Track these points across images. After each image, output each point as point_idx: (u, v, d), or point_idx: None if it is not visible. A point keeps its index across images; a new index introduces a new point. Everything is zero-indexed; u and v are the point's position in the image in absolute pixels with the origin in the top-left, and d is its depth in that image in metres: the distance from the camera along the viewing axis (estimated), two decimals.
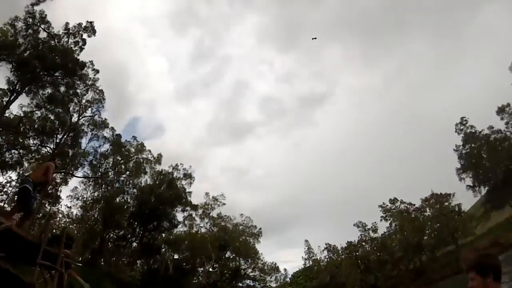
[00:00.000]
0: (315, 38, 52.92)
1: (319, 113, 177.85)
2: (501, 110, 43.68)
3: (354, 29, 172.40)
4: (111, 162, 38.39)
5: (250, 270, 47.51)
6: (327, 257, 49.70)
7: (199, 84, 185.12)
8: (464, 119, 46.47)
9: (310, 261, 50.72)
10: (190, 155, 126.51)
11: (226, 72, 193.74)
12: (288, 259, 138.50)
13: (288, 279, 53.26)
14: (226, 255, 46.27)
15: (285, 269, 54.70)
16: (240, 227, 47.25)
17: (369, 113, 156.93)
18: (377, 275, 44.05)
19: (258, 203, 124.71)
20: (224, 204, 46.35)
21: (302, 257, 51.81)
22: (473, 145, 45.30)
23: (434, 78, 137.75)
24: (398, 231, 44.59)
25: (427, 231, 43.60)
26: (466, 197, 46.57)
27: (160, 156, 42.20)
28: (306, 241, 52.15)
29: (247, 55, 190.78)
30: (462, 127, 46.46)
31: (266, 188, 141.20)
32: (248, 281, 47.90)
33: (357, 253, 46.55)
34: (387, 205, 46.11)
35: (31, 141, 29.96)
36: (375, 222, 47.26)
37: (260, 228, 48.28)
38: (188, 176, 43.51)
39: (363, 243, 46.91)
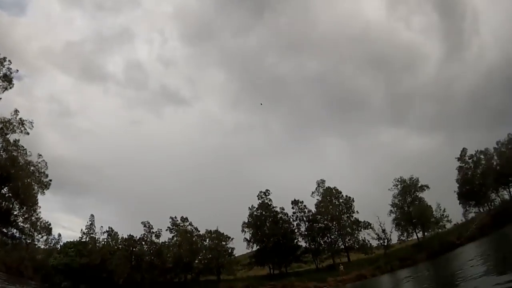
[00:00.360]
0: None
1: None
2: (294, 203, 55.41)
3: None
4: None
5: (21, 219, 41.71)
6: (105, 240, 50.22)
7: None
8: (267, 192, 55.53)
9: (88, 238, 49.35)
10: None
11: None
12: (68, 225, 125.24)
13: (58, 246, 50.60)
14: (2, 191, 40.31)
15: (59, 234, 52.34)
16: (31, 168, 41.30)
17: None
18: (145, 276, 47.94)
19: (64, 154, 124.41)
20: (27, 133, 39.94)
21: (82, 230, 49.86)
22: (264, 213, 54.40)
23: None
24: (176, 245, 50.15)
25: (199, 257, 51.07)
26: (242, 246, 54.59)
27: None
28: (92, 216, 50.97)
29: None
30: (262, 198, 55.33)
31: (80, 144, 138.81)
32: (14, 230, 41.95)
33: (134, 249, 49.75)
34: (178, 220, 52.79)
35: None
36: (161, 229, 52.16)
37: (51, 180, 42.87)
38: (7, 78, 37.04)
39: (143, 242, 50.55)
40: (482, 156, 50.73)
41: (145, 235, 51.59)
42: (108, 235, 50.83)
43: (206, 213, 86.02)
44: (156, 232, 52.49)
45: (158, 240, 51.81)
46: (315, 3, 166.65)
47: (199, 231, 53.23)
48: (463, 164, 51.62)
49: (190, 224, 53.69)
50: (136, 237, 51.04)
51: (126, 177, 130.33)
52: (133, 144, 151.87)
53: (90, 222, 50.25)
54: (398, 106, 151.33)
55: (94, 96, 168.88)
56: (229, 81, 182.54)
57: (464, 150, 51.88)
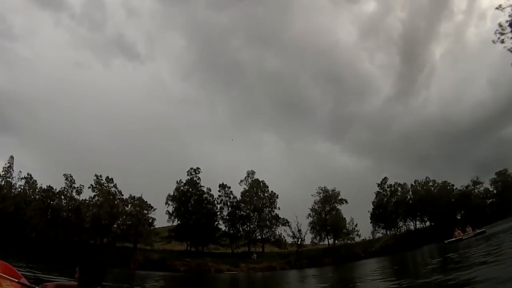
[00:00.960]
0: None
1: None
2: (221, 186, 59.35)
3: None
4: None
5: None
6: (22, 187, 48.33)
7: None
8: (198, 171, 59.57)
9: (4, 181, 47.21)
10: None
11: None
12: None
13: None
14: None
15: None
16: None
17: None
18: (60, 232, 45.86)
19: None
20: None
21: None
22: (190, 190, 57.31)
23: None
24: (97, 206, 49.85)
25: (119, 221, 51.29)
26: (163, 219, 56.15)
27: None
28: (12, 157, 48.90)
29: None
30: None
31: (15, 75, 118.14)
32: None
33: (52, 202, 48.48)
34: (102, 180, 51.95)
35: None
36: (83, 186, 51.33)
37: None
38: None
39: (62, 197, 49.29)
40: (399, 188, 60.61)
41: (66, 189, 50.37)
42: (26, 182, 48.74)
43: (133, 179, 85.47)
44: (77, 188, 51.48)
45: (78, 197, 51.04)
46: (296, 8, 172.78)
47: (122, 195, 53.42)
48: (382, 190, 60.71)
49: (115, 186, 53.40)
50: (56, 189, 49.63)
51: (57, 123, 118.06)
52: (73, 89, 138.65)
53: (9, 165, 48.02)
54: (339, 125, 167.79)
55: (43, 24, 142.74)
56: (188, 51, 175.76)
57: (385, 179, 61.12)
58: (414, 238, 50.79)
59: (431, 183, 61.73)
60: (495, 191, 67.43)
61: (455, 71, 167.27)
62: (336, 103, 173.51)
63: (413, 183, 61.14)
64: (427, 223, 60.08)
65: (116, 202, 52.13)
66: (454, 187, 62.10)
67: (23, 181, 48.74)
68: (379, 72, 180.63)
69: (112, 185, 53.38)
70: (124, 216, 52.14)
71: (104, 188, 52.28)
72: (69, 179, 50.96)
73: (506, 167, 67.89)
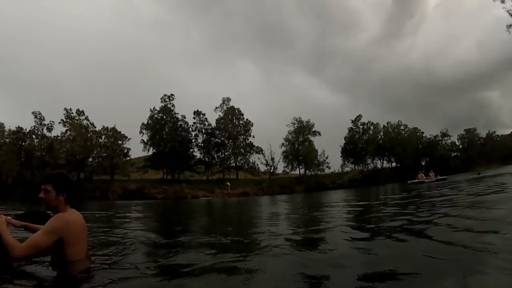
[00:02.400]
0: None
1: None
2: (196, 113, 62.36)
3: None
4: None
5: None
6: None
7: None
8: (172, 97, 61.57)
9: None
10: None
11: None
12: None
13: None
14: None
15: None
16: None
17: None
18: (35, 174, 47.98)
19: None
20: None
21: None
22: (164, 117, 61.21)
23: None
24: (70, 141, 51.47)
25: (94, 154, 54.04)
26: (138, 149, 60.80)
27: None
28: None
29: None
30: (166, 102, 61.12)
31: None
32: None
33: (23, 143, 50.38)
34: (73, 113, 53.46)
35: None
36: (53, 122, 52.90)
37: None
38: None
39: (34, 136, 51.35)
40: (371, 127, 65.43)
41: (36, 128, 52.40)
42: None
43: (105, 109, 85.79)
44: (48, 124, 53.39)
45: (50, 134, 53.20)
46: None
47: (95, 127, 55.37)
48: (354, 127, 65.41)
49: (86, 118, 54.90)
50: (26, 129, 51.52)
51: (17, 60, 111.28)
52: (31, 18, 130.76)
53: None
54: (320, 59, 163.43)
55: None
56: None
57: (359, 116, 65.73)
58: (380, 175, 56.00)
59: (402, 127, 67.58)
60: (460, 146, 76.14)
61: (445, 25, 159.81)
62: (319, 36, 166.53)
63: (385, 125, 66.77)
64: (393, 164, 66.79)
65: (89, 135, 54.19)
66: (424, 135, 69.11)
67: None
68: (368, 10, 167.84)
69: (83, 117, 54.99)
70: (99, 149, 54.62)
71: (75, 122, 53.88)
72: (38, 117, 52.59)
73: (475, 127, 79.24)
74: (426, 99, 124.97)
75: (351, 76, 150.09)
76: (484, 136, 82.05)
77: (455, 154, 74.18)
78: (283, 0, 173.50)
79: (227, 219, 9.00)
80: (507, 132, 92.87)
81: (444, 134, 72.41)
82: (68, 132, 53.39)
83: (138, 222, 8.55)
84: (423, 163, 65.80)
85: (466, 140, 77.95)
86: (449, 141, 74.42)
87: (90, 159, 54.37)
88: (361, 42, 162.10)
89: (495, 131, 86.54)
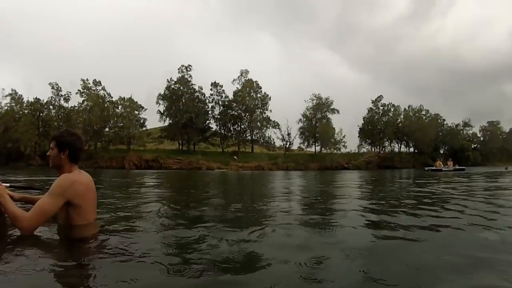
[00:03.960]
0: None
1: None
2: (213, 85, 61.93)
3: None
4: None
5: None
6: (8, 105, 50.37)
7: None
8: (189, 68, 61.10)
9: None
10: None
11: None
12: None
13: None
14: None
15: None
16: None
17: None
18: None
19: None
20: None
21: None
22: (181, 88, 60.61)
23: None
24: (87, 111, 52.45)
25: (110, 124, 54.76)
26: (154, 120, 61.83)
27: None
28: None
29: None
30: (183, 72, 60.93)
31: None
32: None
33: (41, 114, 51.44)
34: (89, 84, 53.79)
35: None
36: (70, 92, 53.74)
37: None
38: None
39: (51, 107, 52.33)
40: (392, 109, 63.62)
41: (53, 98, 53.22)
42: (11, 99, 51.10)
43: (122, 81, 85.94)
44: (65, 95, 54.24)
45: (67, 105, 54.23)
46: None
47: (112, 97, 55.96)
48: (374, 108, 63.89)
49: (103, 89, 55.40)
50: (43, 100, 52.40)
51: (33, 33, 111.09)
52: None
53: None
54: (342, 35, 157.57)
55: None
56: None
57: (380, 97, 64.15)
58: (396, 159, 54.91)
59: (423, 112, 65.49)
60: (481, 138, 73.51)
61: (478, 9, 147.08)
62: (343, 11, 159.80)
63: (406, 108, 64.98)
64: (410, 149, 65.24)
65: (106, 105, 54.81)
66: (445, 123, 67.49)
67: (8, 98, 51.10)
68: None
69: (100, 88, 55.55)
70: (115, 119, 55.35)
71: (92, 92, 54.45)
72: (55, 88, 53.34)
73: (498, 119, 76.71)
74: (450, 85, 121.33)
75: (374, 54, 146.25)
76: (507, 131, 79.41)
77: (475, 146, 72.20)
78: None
79: (241, 193, 8.61)
80: None
81: (466, 124, 71.33)
82: (85, 103, 54.08)
83: (152, 192, 8.28)
84: (442, 151, 65.23)
85: (488, 132, 75.54)
86: (470, 132, 73.15)
87: (107, 129, 55.27)
88: (387, 20, 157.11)
89: None
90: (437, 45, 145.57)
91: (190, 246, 2.57)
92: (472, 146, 70.81)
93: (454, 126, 69.72)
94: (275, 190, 9.47)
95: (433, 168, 34.54)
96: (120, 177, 17.06)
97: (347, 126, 60.58)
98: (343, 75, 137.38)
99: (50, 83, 53.11)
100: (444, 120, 69.16)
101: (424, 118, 66.17)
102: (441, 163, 36.96)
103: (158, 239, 2.80)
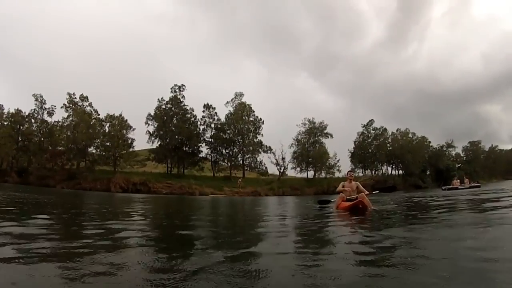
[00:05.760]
0: None
1: None
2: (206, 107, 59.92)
3: None
4: None
5: None
6: None
7: None
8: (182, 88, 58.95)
9: None
10: None
11: None
12: None
13: None
14: None
15: None
16: None
17: None
18: (32, 159, 47.16)
19: None
20: None
21: None
22: (173, 108, 58.31)
23: None
24: (71, 127, 48.99)
25: (96, 142, 50.94)
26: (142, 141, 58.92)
27: None
28: None
29: None
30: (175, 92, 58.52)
31: None
32: None
33: (21, 127, 48.09)
34: (76, 98, 50.63)
35: None
36: (55, 106, 50.47)
37: None
38: None
39: (33, 120, 48.86)
40: (384, 133, 64.28)
41: (36, 111, 49.69)
42: None
43: (108, 99, 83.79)
44: (49, 109, 50.75)
45: (50, 119, 50.71)
46: None
47: (99, 114, 52.68)
48: (366, 132, 63.85)
49: (90, 105, 52.14)
50: (25, 113, 48.99)
51: (19, 44, 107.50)
52: (35, 6, 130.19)
53: None
54: (324, 62, 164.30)
55: None
56: None
57: (371, 121, 64.72)
58: (389, 182, 54.30)
59: (410, 135, 66.96)
60: (464, 158, 77.42)
61: (451, 34, 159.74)
62: (324, 39, 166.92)
63: (394, 131, 66.20)
64: (400, 171, 66.15)
65: (92, 122, 51.17)
66: (430, 144, 69.35)
67: None
68: (373, 14, 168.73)
69: (87, 103, 52.22)
70: (102, 137, 51.77)
71: (78, 108, 51.04)
72: (39, 100, 49.89)
73: (473, 139, 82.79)
74: (427, 108, 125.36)
75: (353, 80, 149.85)
76: (487, 150, 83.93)
77: (459, 165, 74.96)
78: (289, 1, 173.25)
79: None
80: (506, 147, 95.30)
81: (449, 145, 73.61)
82: (70, 118, 50.65)
83: (147, 219, 7.53)
84: (428, 172, 66.70)
85: (470, 152, 78.84)
86: (454, 153, 76.17)
87: (92, 148, 51.79)
88: (365, 47, 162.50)
89: (497, 145, 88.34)
90: (414, 69, 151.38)
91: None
92: (457, 166, 73.25)
93: (439, 147, 71.19)
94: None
95: (450, 186, 33.91)
96: (106, 203, 14.83)
97: (331, 150, 58.92)
98: (323, 101, 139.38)
99: (34, 95, 49.90)
100: (430, 142, 70.49)
101: (412, 140, 67.18)
102: (458, 181, 36.08)
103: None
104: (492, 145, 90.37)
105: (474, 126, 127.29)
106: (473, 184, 34.34)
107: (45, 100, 50.46)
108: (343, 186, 10.40)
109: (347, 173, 10.89)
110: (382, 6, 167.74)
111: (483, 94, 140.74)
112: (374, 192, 12.65)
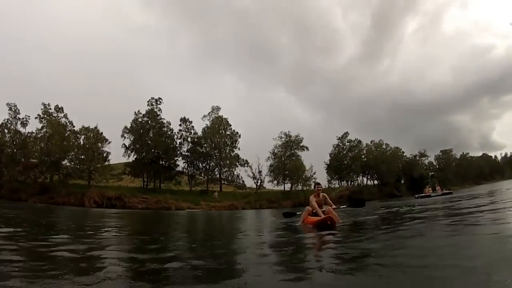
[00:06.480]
0: None
1: None
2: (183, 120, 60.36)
3: None
4: None
5: None
6: None
7: None
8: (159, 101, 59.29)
9: None
10: None
11: None
12: None
13: None
14: None
15: None
16: None
17: None
18: (4, 172, 45.11)
19: None
20: None
21: None
22: (150, 122, 57.82)
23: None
24: (45, 138, 47.71)
25: (70, 155, 49.70)
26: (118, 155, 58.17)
27: None
28: None
29: None
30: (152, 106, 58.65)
31: None
32: None
33: None
34: (51, 109, 49.87)
35: None
36: (29, 116, 49.16)
37: None
38: None
39: (6, 130, 47.27)
40: (359, 145, 67.14)
41: (9, 121, 48.28)
42: None
43: (84, 112, 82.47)
44: (23, 119, 49.36)
45: (24, 130, 49.35)
46: None
47: (74, 126, 51.78)
48: (341, 144, 66.28)
49: (65, 116, 51.26)
50: None
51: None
52: (9, 11, 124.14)
53: None
54: (301, 77, 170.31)
55: None
56: None
57: (346, 133, 67.47)
58: (365, 192, 56.19)
59: (384, 146, 69.83)
60: (437, 166, 79.07)
61: (423, 49, 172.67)
62: (301, 54, 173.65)
63: (369, 143, 69.01)
64: (375, 181, 68.79)
65: (67, 134, 50.14)
66: (404, 154, 72.73)
67: None
68: (348, 30, 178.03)
69: (62, 115, 51.36)
70: (77, 150, 50.68)
71: (53, 119, 50.07)
72: (13, 109, 48.56)
73: (445, 148, 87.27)
74: (401, 119, 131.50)
75: (329, 95, 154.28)
76: (459, 157, 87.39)
77: (432, 173, 78.15)
78: (268, 14, 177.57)
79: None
80: (477, 154, 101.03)
81: (422, 154, 76.78)
82: (44, 129, 49.63)
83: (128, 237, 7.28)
84: (402, 181, 69.09)
85: (443, 160, 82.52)
86: (427, 161, 79.52)
87: (66, 161, 50.48)
88: (341, 63, 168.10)
89: (468, 153, 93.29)
90: (387, 83, 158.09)
91: None
92: (430, 174, 76.01)
93: (412, 157, 74.15)
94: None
95: (423, 194, 35.30)
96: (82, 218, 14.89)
97: (308, 163, 60.35)
98: (301, 114, 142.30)
99: (7, 104, 48.49)
100: (403, 152, 73.52)
101: (386, 151, 69.71)
102: (430, 189, 37.93)
103: None
104: (463, 152, 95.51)
105: (446, 135, 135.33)
106: (445, 191, 35.90)
107: (19, 110, 49.26)
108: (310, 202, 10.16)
109: (315, 186, 10.69)
110: (357, 24, 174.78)
111: (453, 105, 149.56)
112: (341, 207, 12.58)
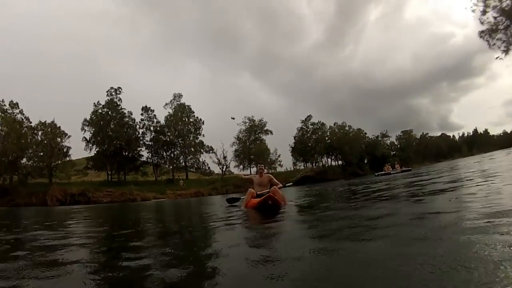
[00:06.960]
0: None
1: None
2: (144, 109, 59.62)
3: None
4: None
5: None
6: None
7: None
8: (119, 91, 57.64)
9: None
10: None
11: None
12: None
13: None
14: None
15: None
16: None
17: None
18: None
19: None
20: None
21: None
22: (110, 113, 56.59)
23: None
24: (1, 138, 45.45)
25: (29, 153, 48.03)
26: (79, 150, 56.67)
27: None
28: None
29: None
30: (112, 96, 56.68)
31: None
32: None
33: None
34: (5, 105, 47.66)
35: None
36: None
37: None
38: None
39: None
40: (322, 127, 68.60)
41: None
42: None
43: (41, 104, 78.50)
44: None
45: None
46: None
47: (30, 122, 49.63)
48: (305, 127, 67.56)
49: (21, 112, 49.03)
50: None
51: None
52: None
53: None
54: (266, 63, 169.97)
55: None
56: None
57: (309, 116, 68.65)
58: (329, 173, 57.63)
59: (347, 128, 71.58)
60: (398, 146, 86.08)
61: (385, 36, 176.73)
62: (265, 40, 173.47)
63: (332, 125, 70.57)
64: (339, 162, 70.49)
65: (23, 131, 48.28)
66: (366, 135, 75.00)
67: None
68: (313, 16, 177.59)
69: (17, 111, 49.12)
70: (35, 147, 48.99)
71: (8, 116, 47.80)
72: None
73: (406, 129, 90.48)
74: (363, 103, 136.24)
75: (294, 80, 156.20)
76: (419, 137, 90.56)
77: (393, 152, 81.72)
78: (231, 4, 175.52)
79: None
80: (436, 133, 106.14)
81: (384, 135, 79.87)
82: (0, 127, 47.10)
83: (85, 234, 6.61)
84: (366, 161, 71.83)
85: (404, 140, 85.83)
86: (388, 141, 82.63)
87: (25, 160, 48.77)
88: (305, 48, 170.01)
89: (428, 133, 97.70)
90: (350, 68, 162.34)
91: None
92: (392, 153, 79.44)
93: (375, 137, 76.68)
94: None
95: (382, 172, 36.49)
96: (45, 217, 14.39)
97: (272, 146, 61.35)
98: (266, 100, 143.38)
99: None
100: (366, 133, 75.94)
101: (349, 133, 71.58)
102: (389, 166, 39.45)
103: None
104: (423, 133, 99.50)
105: (407, 117, 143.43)
106: (404, 169, 37.42)
107: None
108: (252, 182, 9.73)
109: (257, 166, 10.30)
110: (321, 10, 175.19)
111: (413, 89, 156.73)
112: (287, 185, 12.60)
